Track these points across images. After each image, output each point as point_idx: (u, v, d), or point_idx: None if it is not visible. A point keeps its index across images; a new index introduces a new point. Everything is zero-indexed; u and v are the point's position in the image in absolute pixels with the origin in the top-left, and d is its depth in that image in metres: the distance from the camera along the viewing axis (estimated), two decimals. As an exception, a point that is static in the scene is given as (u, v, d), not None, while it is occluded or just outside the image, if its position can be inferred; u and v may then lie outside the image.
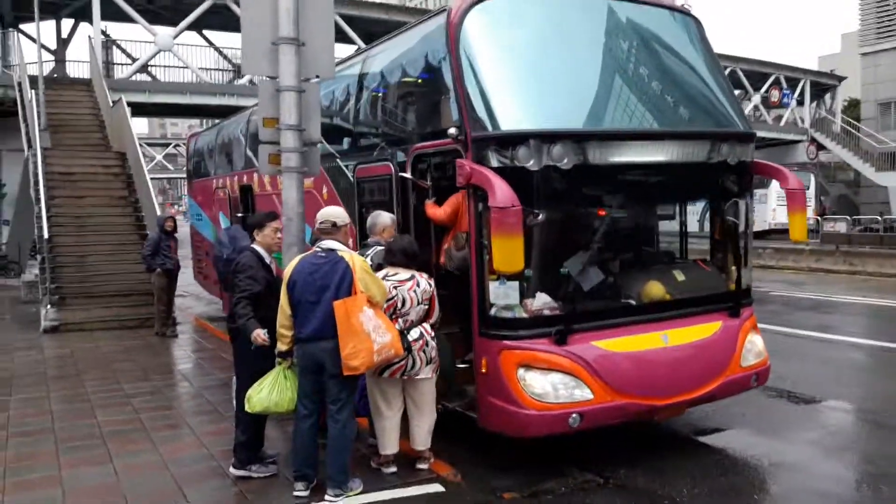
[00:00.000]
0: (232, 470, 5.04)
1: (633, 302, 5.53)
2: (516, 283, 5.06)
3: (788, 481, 5.18)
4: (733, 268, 6.03)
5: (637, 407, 5.17)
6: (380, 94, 6.71)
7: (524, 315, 5.09)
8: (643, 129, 5.41)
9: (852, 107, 38.35)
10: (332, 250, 4.70)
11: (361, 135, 7.08)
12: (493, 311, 5.13)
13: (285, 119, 6.17)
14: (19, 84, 17.66)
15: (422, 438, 5.15)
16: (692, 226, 6.38)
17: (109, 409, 6.61)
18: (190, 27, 21.52)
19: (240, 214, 11.20)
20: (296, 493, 4.63)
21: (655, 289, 5.64)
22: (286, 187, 6.30)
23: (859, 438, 6.11)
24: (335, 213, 4.96)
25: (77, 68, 23.43)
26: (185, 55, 22.28)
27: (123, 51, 23.32)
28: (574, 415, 4.96)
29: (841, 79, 37.41)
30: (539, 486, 4.95)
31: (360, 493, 4.64)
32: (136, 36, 49.16)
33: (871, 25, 35.17)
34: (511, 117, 5.09)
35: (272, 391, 4.67)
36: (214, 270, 12.69)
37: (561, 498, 4.80)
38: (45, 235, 11.38)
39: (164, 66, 23.47)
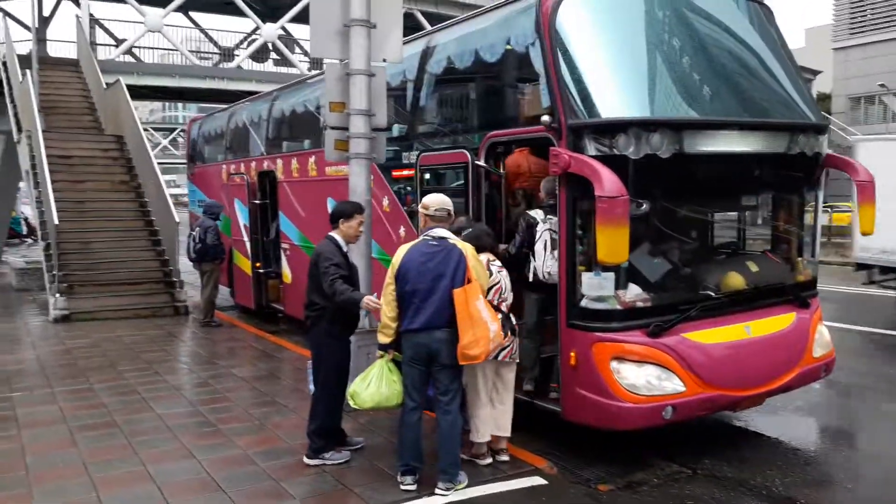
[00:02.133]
0: (305, 460, 4.94)
1: (716, 293, 5.54)
2: (612, 275, 5.02)
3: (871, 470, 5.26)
4: (803, 259, 6.09)
5: (725, 399, 5.20)
6: (449, 79, 6.56)
7: (618, 307, 5.06)
8: (734, 119, 5.39)
9: (821, 101, 39.22)
10: (444, 238, 4.66)
11: (426, 121, 6.92)
12: (584, 303, 5.09)
13: (355, 104, 6.04)
14: (4, 63, 17.02)
15: (509, 425, 5.12)
16: (764, 217, 6.43)
17: (163, 402, 6.41)
18: (177, 9, 20.99)
19: (257, 201, 11.00)
20: (404, 487, 4.55)
21: (736, 280, 5.66)
22: (354, 174, 6.18)
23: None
24: (447, 200, 4.87)
25: (57, 48, 22.70)
26: (172, 37, 21.73)
27: (107, 31, 22.61)
28: (668, 407, 4.95)
29: (816, 73, 38.18)
30: (630, 478, 4.95)
31: (465, 486, 4.57)
32: (118, 16, 47.90)
33: (845, 22, 35.95)
34: (610, 105, 5.03)
35: (380, 385, 4.58)
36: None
37: (657, 489, 4.80)
38: (55, 221, 10.97)
39: (149, 48, 22.89)
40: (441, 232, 4.70)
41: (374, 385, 4.58)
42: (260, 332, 9.90)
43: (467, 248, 4.63)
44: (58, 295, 10.82)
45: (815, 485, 4.94)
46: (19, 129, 15.18)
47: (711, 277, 5.66)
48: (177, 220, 11.80)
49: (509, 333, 4.92)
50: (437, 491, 4.49)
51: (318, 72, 10.67)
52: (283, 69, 24.07)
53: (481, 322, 4.40)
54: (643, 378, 4.95)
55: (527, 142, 5.73)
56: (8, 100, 16.33)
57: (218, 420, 5.89)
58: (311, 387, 5.28)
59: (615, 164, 4.77)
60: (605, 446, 5.35)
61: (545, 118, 5.06)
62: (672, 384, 4.99)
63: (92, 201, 12.98)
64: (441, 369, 4.52)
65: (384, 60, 6.28)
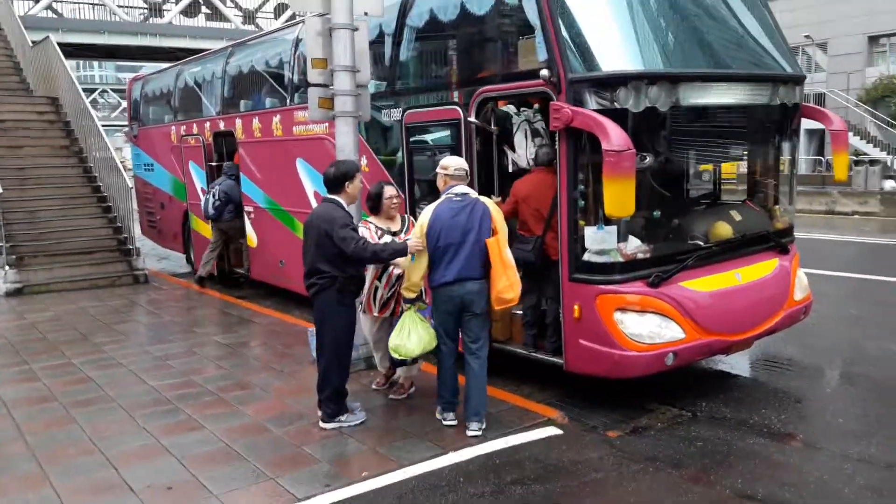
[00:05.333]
0: (322, 424, 4.95)
1: (708, 243, 5.72)
2: (614, 228, 5.13)
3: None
4: (781, 207, 6.34)
5: (720, 343, 5.44)
6: (436, 32, 6.42)
7: (620, 259, 5.18)
8: (727, 72, 5.52)
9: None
10: (466, 193, 4.86)
11: (410, 77, 6.79)
12: (587, 257, 5.18)
13: (339, 60, 5.89)
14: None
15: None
16: (743, 167, 6.64)
17: (154, 373, 6.25)
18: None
19: (213, 163, 10.66)
20: (447, 423, 4.91)
21: (725, 229, 5.86)
22: (341, 133, 6.06)
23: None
24: (462, 161, 5.12)
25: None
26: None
27: (24, -16, 21.12)
28: (669, 354, 5.15)
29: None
30: (636, 423, 5.14)
31: (483, 436, 4.73)
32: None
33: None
34: (610, 58, 5.06)
35: (419, 332, 4.85)
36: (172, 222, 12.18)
37: (664, 432, 5.00)
38: (-1, 190, 10.39)
39: (70, 3, 21.54)
40: (463, 188, 4.90)
41: (414, 334, 4.85)
42: (227, 298, 9.71)
43: (489, 202, 4.88)
44: (7, 268, 10.31)
45: (808, 420, 5.24)
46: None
47: (702, 228, 5.85)
48: (129, 184, 11.32)
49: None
50: (468, 432, 4.76)
51: (280, 26, 10.26)
52: (217, 24, 23.11)
53: (512, 267, 4.72)
54: (645, 327, 5.12)
55: (522, 96, 5.72)
56: (-76, 61, 15.21)
57: (217, 389, 5.80)
58: (314, 355, 5.25)
59: (615, 117, 4.84)
60: (605, 395, 5.52)
61: (544, 72, 5.06)
62: (672, 331, 5.18)
63: (33, 168, 12.28)
64: (472, 318, 4.81)
65: (365, 14, 6.12)
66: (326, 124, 7.22)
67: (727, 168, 6.70)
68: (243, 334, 7.73)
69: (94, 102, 49.33)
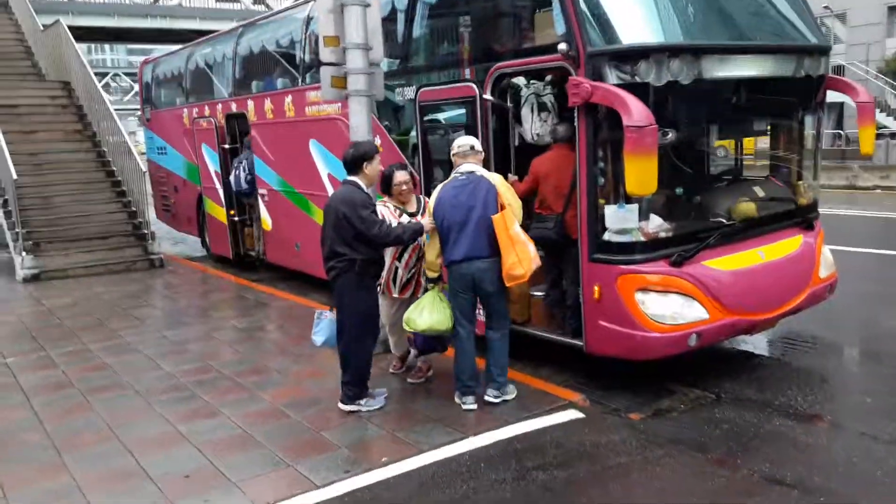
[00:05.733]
0: (340, 405, 4.92)
1: (730, 220, 5.58)
2: (636, 207, 5.00)
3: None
4: (806, 182, 6.17)
5: (744, 323, 5.32)
6: (448, 7, 6.28)
7: (642, 238, 5.06)
8: (749, 44, 5.35)
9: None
10: (472, 172, 4.83)
11: (424, 54, 6.65)
12: (608, 236, 5.07)
13: (351, 37, 5.77)
14: (-73, 6, 15.77)
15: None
16: (763, 143, 6.48)
17: (170, 359, 6.23)
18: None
19: (227, 145, 10.58)
20: (466, 407, 4.87)
21: (748, 206, 5.71)
22: (354, 112, 5.95)
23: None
24: (470, 138, 5.09)
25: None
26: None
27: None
28: (693, 335, 5.04)
29: None
30: (658, 405, 5.05)
31: (503, 420, 4.65)
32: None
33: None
34: (630, 31, 4.93)
35: (432, 312, 4.84)
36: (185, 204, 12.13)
37: (687, 414, 4.91)
38: (14, 176, 10.35)
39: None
40: (468, 167, 4.88)
41: (427, 312, 4.85)
42: (243, 282, 9.68)
43: (496, 178, 4.83)
44: (24, 253, 10.33)
45: (835, 400, 5.13)
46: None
47: (724, 205, 5.71)
48: (143, 168, 11.28)
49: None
50: (486, 398, 4.89)
51: (291, 5, 10.11)
52: (227, 5, 22.95)
53: (521, 243, 4.66)
54: (668, 307, 5.00)
55: (539, 72, 5.58)
56: (-64, 46, 15.20)
57: (234, 374, 5.77)
58: (316, 338, 5.24)
59: (636, 92, 4.70)
60: (626, 377, 5.43)
61: (562, 46, 4.92)
62: (695, 312, 5.07)
63: (46, 153, 12.28)
64: (486, 296, 4.83)
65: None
66: (339, 104, 7.11)
67: (747, 143, 6.55)
68: (259, 318, 7.69)
69: (106, 86, 49.25)
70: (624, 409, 4.97)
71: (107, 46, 69.96)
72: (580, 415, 4.77)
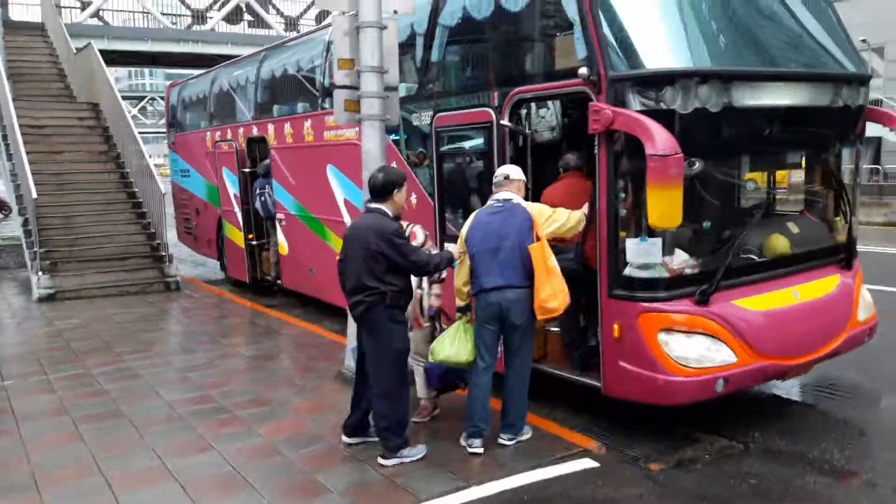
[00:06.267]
0: (381, 461, 4.38)
1: (762, 257, 5.24)
2: (659, 241, 4.67)
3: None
4: (843, 219, 5.80)
5: (776, 368, 4.95)
6: (467, 31, 6.06)
7: (665, 274, 4.73)
8: (785, 70, 5.05)
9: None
10: (508, 199, 4.63)
11: (441, 78, 6.44)
12: (629, 272, 4.75)
13: (366, 60, 5.58)
14: (-35, 28, 16.11)
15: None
16: (796, 176, 6.14)
17: (170, 387, 6.00)
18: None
19: (247, 169, 10.46)
20: (471, 450, 4.55)
21: (780, 242, 5.36)
22: (367, 137, 5.75)
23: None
24: (510, 168, 4.91)
25: (19, 11, 21.53)
26: (142, -1, 20.75)
27: (72, -8, 21.53)
28: (720, 379, 4.68)
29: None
30: (680, 455, 4.68)
31: (510, 468, 4.31)
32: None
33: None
34: (655, 54, 4.66)
35: (454, 343, 4.61)
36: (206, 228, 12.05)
37: (712, 466, 4.53)
38: (34, 195, 10.34)
39: (116, 11, 21.84)
40: (505, 194, 4.69)
41: (448, 342, 4.62)
42: (257, 307, 9.49)
43: (533, 207, 4.61)
44: (41, 273, 10.27)
45: (874, 456, 4.71)
46: (-14, 99, 14.37)
47: (755, 240, 5.36)
48: (162, 190, 11.22)
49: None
50: (499, 440, 4.62)
51: (312, 29, 10.04)
52: (259, 31, 23.20)
53: (557, 276, 4.45)
54: (693, 349, 4.65)
55: (558, 97, 5.33)
56: (-28, 67, 15.46)
57: (233, 405, 5.51)
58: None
59: (661, 119, 4.42)
60: (644, 421, 5.07)
61: (583, 70, 4.66)
62: (723, 355, 4.71)
63: (70, 173, 12.33)
64: (512, 329, 4.55)
65: (395, 12, 5.81)
66: (357, 129, 6.94)
67: (779, 176, 6.19)
68: (268, 346, 7.46)
69: (143, 110, 50.40)
70: (643, 458, 4.61)
71: (146, 71, 71.69)
72: (595, 464, 4.41)
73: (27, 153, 11.36)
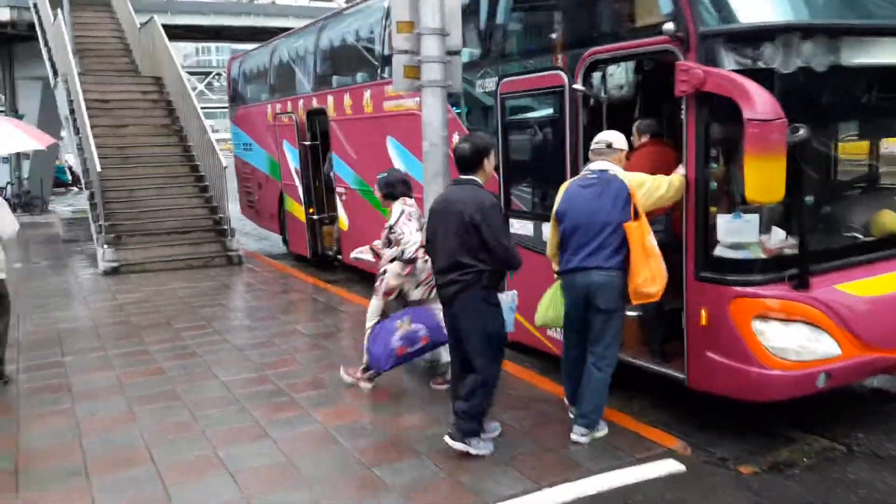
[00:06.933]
0: (448, 440, 4.07)
1: (869, 235, 4.67)
2: (755, 217, 4.17)
3: None
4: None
5: (884, 361, 4.41)
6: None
7: (762, 255, 4.22)
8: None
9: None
10: (604, 171, 4.16)
11: (506, 40, 5.99)
12: (720, 252, 4.27)
13: (426, 22, 5.18)
14: (35, 4, 16.31)
15: None
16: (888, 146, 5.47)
17: (227, 367, 5.82)
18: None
19: (308, 142, 10.23)
20: (576, 438, 4.25)
21: (890, 219, 4.77)
22: (427, 105, 5.36)
23: None
24: (611, 133, 4.39)
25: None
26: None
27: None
28: (822, 373, 4.18)
29: None
30: (775, 457, 4.22)
31: (587, 470, 3.90)
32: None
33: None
34: (752, 7, 4.13)
35: (550, 307, 4.42)
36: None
37: (812, 471, 4.05)
38: (98, 168, 10.37)
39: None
40: (601, 164, 4.24)
41: (546, 304, 4.44)
42: (319, 283, 9.29)
43: (630, 177, 4.16)
44: (106, 246, 10.32)
45: None
46: (55, 74, 14.58)
47: (861, 217, 4.79)
48: (224, 164, 11.12)
49: None
50: (571, 436, 4.24)
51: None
52: (322, 3, 22.97)
53: (656, 256, 4.05)
54: (792, 339, 4.16)
55: (640, 56, 4.83)
56: (42, 43, 15.70)
57: (289, 387, 5.28)
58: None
59: (759, 80, 3.90)
60: (727, 415, 4.62)
61: (668, 26, 4.17)
62: (825, 346, 4.20)
63: (133, 147, 12.37)
64: (596, 314, 4.17)
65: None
66: (418, 98, 6.56)
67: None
68: (328, 323, 7.24)
69: (209, 85, 50.93)
70: (733, 460, 4.16)
71: (212, 47, 72.64)
72: (680, 467, 3.96)
73: (93, 127, 11.44)
